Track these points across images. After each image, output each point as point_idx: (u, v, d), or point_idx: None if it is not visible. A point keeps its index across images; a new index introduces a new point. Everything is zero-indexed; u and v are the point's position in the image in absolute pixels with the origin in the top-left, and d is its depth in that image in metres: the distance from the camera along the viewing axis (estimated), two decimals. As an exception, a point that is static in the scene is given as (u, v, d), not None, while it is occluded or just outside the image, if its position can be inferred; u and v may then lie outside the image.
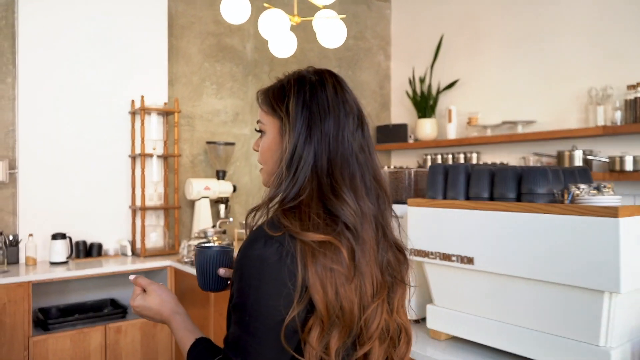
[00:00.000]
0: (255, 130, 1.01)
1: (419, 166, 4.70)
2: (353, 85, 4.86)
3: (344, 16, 2.96)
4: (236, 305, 0.85)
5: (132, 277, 1.09)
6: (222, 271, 1.06)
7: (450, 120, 4.35)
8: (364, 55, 4.95)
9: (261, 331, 0.81)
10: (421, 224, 1.62)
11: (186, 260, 2.96)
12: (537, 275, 1.32)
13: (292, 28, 3.00)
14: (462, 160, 4.29)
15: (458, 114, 4.40)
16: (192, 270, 2.97)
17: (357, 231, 0.85)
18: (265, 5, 2.84)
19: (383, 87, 5.10)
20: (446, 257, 1.54)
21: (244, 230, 3.23)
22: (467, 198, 1.54)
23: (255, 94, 1.03)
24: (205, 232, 2.99)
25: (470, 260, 1.47)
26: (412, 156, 4.90)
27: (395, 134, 4.84)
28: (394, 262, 0.94)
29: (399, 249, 0.97)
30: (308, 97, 0.91)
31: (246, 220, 0.91)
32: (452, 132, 4.38)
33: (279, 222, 0.84)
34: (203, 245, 1.12)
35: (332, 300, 0.80)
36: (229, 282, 1.07)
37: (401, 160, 5.02)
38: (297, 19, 2.92)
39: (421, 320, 1.80)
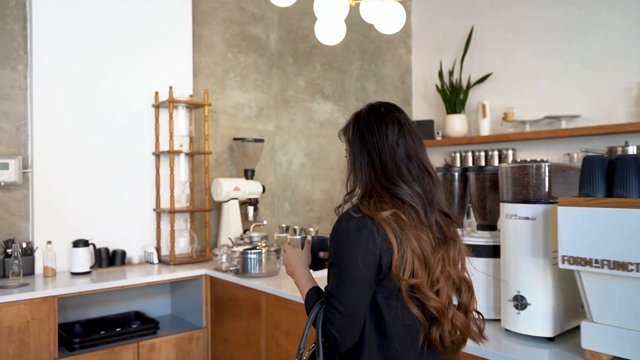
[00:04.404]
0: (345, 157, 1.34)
1: (447, 164, 4.48)
2: (376, 79, 4.55)
3: (403, -1, 2.71)
4: (332, 263, 1.21)
5: (309, 237, 1.46)
6: (321, 254, 1.43)
7: (484, 116, 4.14)
8: (385, 48, 4.71)
9: (347, 279, 1.15)
10: (578, 227, 1.38)
11: (231, 268, 2.65)
12: None
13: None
14: (496, 158, 4.09)
15: (490, 109, 4.20)
16: (235, 280, 2.67)
17: (412, 204, 1.19)
18: (324, -16, 2.56)
19: (404, 81, 4.87)
20: (620, 265, 1.30)
21: (285, 235, 2.95)
22: (645, 195, 1.31)
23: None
24: (250, 238, 2.69)
25: (658, 270, 1.24)
26: (437, 154, 4.68)
27: (420, 131, 4.59)
28: (443, 223, 1.24)
29: (445, 214, 1.25)
30: (359, 125, 1.28)
31: (337, 210, 1.28)
32: (486, 128, 4.17)
33: (359, 209, 1.19)
34: (306, 237, 1.47)
35: (404, 245, 1.14)
36: (326, 262, 1.40)
37: (425, 158, 4.79)
38: (352, 2, 2.66)
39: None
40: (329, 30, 2.80)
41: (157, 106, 3.19)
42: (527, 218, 1.58)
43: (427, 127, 4.56)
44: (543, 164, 1.58)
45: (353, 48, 4.45)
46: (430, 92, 4.75)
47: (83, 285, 2.56)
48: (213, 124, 3.59)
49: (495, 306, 1.78)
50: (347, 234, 1.15)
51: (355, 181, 1.26)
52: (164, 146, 3.20)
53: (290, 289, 2.39)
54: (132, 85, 3.16)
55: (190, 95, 3.28)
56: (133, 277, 2.75)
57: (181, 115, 3.18)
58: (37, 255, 2.80)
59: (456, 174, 1.98)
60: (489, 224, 1.88)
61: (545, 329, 1.56)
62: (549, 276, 1.55)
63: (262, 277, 2.63)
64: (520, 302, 1.59)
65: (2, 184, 2.77)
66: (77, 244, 2.79)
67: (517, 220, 1.61)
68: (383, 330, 1.16)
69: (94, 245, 2.87)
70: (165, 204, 3.21)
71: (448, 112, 4.38)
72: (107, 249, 2.96)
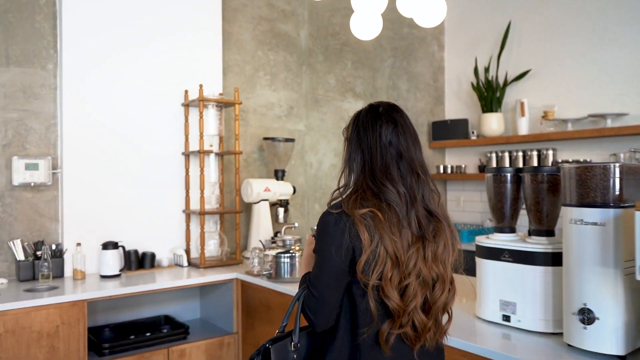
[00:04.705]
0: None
1: (482, 165, 4.32)
2: (408, 77, 4.53)
3: (443, -9, 2.58)
4: (314, 252, 1.30)
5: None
6: None
7: (523, 114, 3.97)
8: (418, 44, 4.57)
9: (322, 267, 1.25)
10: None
11: (264, 273, 2.55)
12: None
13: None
14: (535, 158, 3.92)
15: (529, 107, 4.03)
16: (268, 284, 2.57)
17: (392, 204, 1.22)
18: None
19: (437, 79, 4.72)
20: None
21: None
22: None
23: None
24: (283, 241, 2.59)
25: None
26: (470, 154, 4.53)
27: (453, 130, 4.46)
28: (425, 221, 1.26)
29: (429, 213, 1.27)
30: (357, 124, 1.33)
31: (329, 205, 1.30)
32: (524, 127, 4.00)
33: (340, 205, 1.25)
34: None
35: (376, 242, 1.19)
36: None
37: (458, 159, 4.64)
38: (391, -5, 2.54)
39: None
40: (365, 24, 2.68)
41: (187, 105, 3.12)
42: (594, 224, 1.44)
43: (460, 126, 4.41)
44: (612, 164, 1.44)
45: (385, 45, 4.33)
46: (464, 90, 4.60)
47: (112, 289, 2.49)
48: (242, 123, 3.50)
49: (555, 319, 1.64)
50: (326, 227, 1.25)
51: (347, 177, 1.32)
52: (194, 146, 3.13)
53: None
54: (162, 84, 3.10)
55: (220, 94, 3.20)
56: (163, 281, 2.68)
57: (211, 115, 3.10)
58: (67, 257, 2.75)
59: (508, 175, 1.84)
60: (546, 229, 1.74)
61: (616, 346, 1.41)
62: (620, 288, 1.41)
63: (296, 282, 2.52)
64: (587, 316, 1.44)
65: (32, 184, 2.73)
66: (106, 246, 2.73)
67: (583, 225, 1.47)
68: (355, 317, 1.24)
69: (123, 247, 2.81)
70: (194, 205, 3.13)
71: (484, 111, 4.22)
72: (136, 251, 2.89)
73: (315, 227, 1.32)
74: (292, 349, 1.29)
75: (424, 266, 1.21)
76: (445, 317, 1.31)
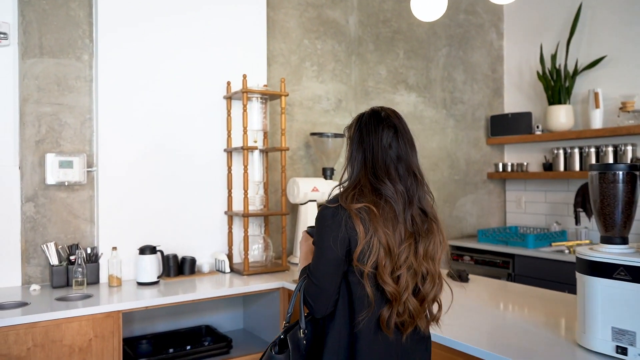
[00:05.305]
0: None
1: (547, 162, 3.93)
2: (464, 68, 4.11)
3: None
4: (313, 243, 1.38)
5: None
6: None
7: (597, 106, 3.56)
8: (475, 32, 4.21)
9: (321, 257, 1.32)
10: None
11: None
12: None
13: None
14: (610, 155, 3.51)
15: (604, 98, 3.61)
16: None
17: (389, 200, 1.31)
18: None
19: (495, 70, 4.34)
20: None
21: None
22: None
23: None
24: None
25: None
26: (533, 150, 4.14)
27: (514, 125, 4.08)
28: (419, 220, 1.34)
29: (424, 213, 1.35)
30: (360, 125, 1.40)
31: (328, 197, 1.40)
32: (598, 120, 3.59)
33: (337, 199, 1.33)
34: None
35: (370, 234, 1.26)
36: None
37: (519, 156, 4.26)
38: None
39: None
40: (428, 3, 2.38)
41: (229, 98, 2.88)
42: None
43: (523, 120, 4.03)
44: None
45: (439, 33, 3.99)
46: (525, 81, 4.21)
47: (150, 299, 2.26)
48: (288, 118, 3.25)
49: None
50: (324, 219, 1.31)
51: (349, 174, 1.38)
52: (237, 142, 2.89)
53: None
54: (203, 76, 2.87)
55: (265, 85, 2.94)
56: (203, 290, 2.44)
57: (255, 108, 2.85)
58: (102, 262, 2.55)
59: (620, 173, 1.50)
60: (673, 240, 1.40)
61: None
62: None
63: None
64: None
65: (66, 183, 2.54)
66: (143, 250, 2.52)
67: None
68: (352, 304, 1.31)
69: (161, 252, 2.59)
70: (237, 206, 2.89)
71: (550, 103, 3.83)
72: (175, 256, 2.67)
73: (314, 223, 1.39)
74: (302, 335, 1.36)
75: (414, 260, 1.30)
76: (435, 307, 1.39)
